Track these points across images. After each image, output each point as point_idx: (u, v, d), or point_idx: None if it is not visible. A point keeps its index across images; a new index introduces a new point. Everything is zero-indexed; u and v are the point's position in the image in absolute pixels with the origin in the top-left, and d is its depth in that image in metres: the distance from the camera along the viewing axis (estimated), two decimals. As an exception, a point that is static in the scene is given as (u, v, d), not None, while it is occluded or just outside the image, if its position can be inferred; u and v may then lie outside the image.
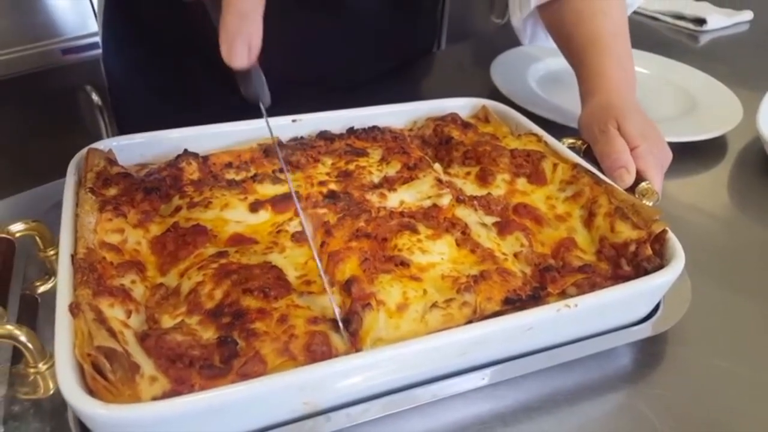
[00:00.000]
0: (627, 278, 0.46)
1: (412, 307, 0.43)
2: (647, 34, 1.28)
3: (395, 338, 0.41)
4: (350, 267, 0.46)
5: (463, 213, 0.53)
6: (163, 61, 0.87)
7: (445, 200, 0.55)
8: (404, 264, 0.47)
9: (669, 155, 0.63)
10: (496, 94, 0.86)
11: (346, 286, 0.44)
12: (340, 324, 0.41)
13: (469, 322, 0.43)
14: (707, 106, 0.89)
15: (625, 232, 0.49)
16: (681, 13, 1.30)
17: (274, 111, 0.66)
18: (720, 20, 1.28)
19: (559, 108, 0.83)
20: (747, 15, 1.32)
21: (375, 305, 0.42)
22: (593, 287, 0.46)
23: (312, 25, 0.83)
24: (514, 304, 0.44)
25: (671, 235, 0.49)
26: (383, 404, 0.40)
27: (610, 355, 0.48)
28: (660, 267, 0.47)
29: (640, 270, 0.47)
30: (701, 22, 1.27)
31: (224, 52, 0.38)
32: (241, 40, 0.38)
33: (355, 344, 0.40)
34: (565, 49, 0.77)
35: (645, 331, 0.48)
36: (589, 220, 0.52)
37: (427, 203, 0.55)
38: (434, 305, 0.43)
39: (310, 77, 0.86)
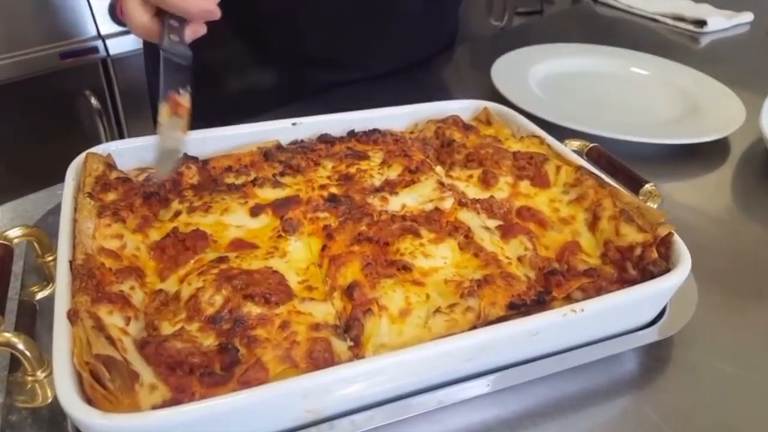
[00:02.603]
0: (633, 282, 0.46)
1: (414, 313, 0.43)
2: (648, 35, 1.28)
3: (398, 344, 0.41)
4: (352, 271, 0.45)
5: (466, 216, 0.53)
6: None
7: (448, 203, 0.54)
8: (406, 268, 0.47)
9: None
10: (496, 97, 0.86)
11: (348, 291, 0.43)
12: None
13: (473, 327, 0.42)
14: (709, 107, 0.88)
15: (631, 235, 0.49)
16: (681, 15, 1.30)
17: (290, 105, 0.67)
18: (720, 22, 1.27)
19: (560, 110, 0.82)
20: (747, 16, 1.31)
21: (377, 311, 0.42)
22: (599, 291, 0.45)
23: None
24: (518, 309, 0.44)
25: (677, 238, 0.48)
26: (388, 411, 0.40)
27: (615, 360, 0.48)
28: (666, 270, 0.46)
29: (646, 274, 0.46)
30: (701, 23, 1.27)
31: None
32: None
33: (357, 350, 0.40)
34: None
35: (651, 335, 0.48)
36: (593, 224, 0.52)
37: (429, 207, 0.54)
38: (437, 311, 0.43)
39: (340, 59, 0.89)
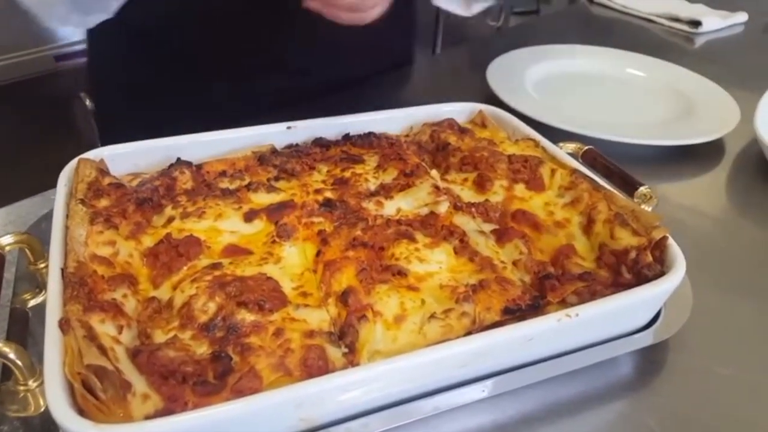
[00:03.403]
0: (627, 286, 0.46)
1: (410, 319, 0.43)
2: (643, 36, 1.28)
3: (393, 351, 0.41)
4: (347, 277, 0.45)
5: (461, 220, 0.53)
6: (148, 65, 0.86)
7: (443, 207, 0.54)
8: (402, 273, 0.47)
9: None
10: (492, 98, 0.86)
11: (343, 298, 0.43)
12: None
13: (469, 333, 0.42)
14: (704, 108, 0.88)
15: (625, 238, 0.49)
16: (676, 16, 1.30)
17: (270, 117, 0.66)
18: (715, 22, 1.28)
19: (555, 112, 0.82)
20: (741, 16, 1.32)
21: (372, 317, 0.42)
22: (593, 295, 0.45)
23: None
24: (513, 314, 0.44)
25: (672, 242, 0.48)
26: (383, 418, 0.40)
27: (611, 364, 0.48)
28: (661, 274, 0.46)
29: (641, 277, 0.46)
30: (696, 24, 1.27)
31: None
32: None
33: (351, 357, 0.40)
34: None
35: (646, 339, 0.48)
36: (588, 227, 0.52)
37: (425, 211, 0.54)
38: (432, 316, 0.43)
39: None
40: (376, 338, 0.41)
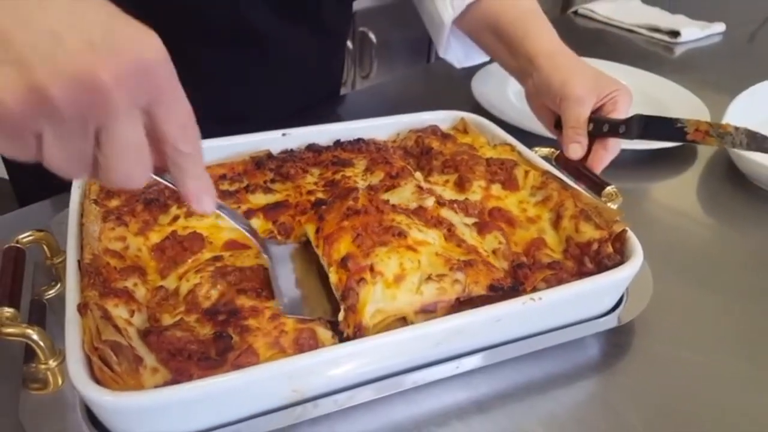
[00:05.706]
0: (590, 274, 0.50)
1: (408, 278, 0.46)
2: (624, 46, 1.34)
3: (393, 309, 0.45)
4: (344, 245, 0.48)
5: (448, 214, 0.57)
6: None
7: (429, 202, 0.57)
8: (402, 235, 0.49)
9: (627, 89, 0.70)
10: (479, 106, 0.91)
11: (343, 264, 0.47)
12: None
13: (458, 300, 0.46)
14: (677, 115, 0.93)
15: (588, 232, 0.53)
16: (656, 26, 1.36)
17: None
18: (694, 32, 1.33)
19: (535, 119, 0.87)
20: (719, 27, 1.37)
21: (369, 279, 0.45)
22: (559, 282, 0.49)
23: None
24: (497, 291, 0.48)
25: (631, 234, 0.52)
26: (367, 391, 0.44)
27: (579, 346, 0.52)
28: (620, 263, 0.50)
29: (602, 266, 0.51)
30: (676, 34, 1.32)
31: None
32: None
33: (354, 317, 0.44)
34: (493, 38, 0.79)
35: (610, 321, 0.52)
36: (556, 222, 0.56)
37: (413, 205, 0.57)
38: (429, 278, 0.46)
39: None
40: (376, 297, 0.45)
